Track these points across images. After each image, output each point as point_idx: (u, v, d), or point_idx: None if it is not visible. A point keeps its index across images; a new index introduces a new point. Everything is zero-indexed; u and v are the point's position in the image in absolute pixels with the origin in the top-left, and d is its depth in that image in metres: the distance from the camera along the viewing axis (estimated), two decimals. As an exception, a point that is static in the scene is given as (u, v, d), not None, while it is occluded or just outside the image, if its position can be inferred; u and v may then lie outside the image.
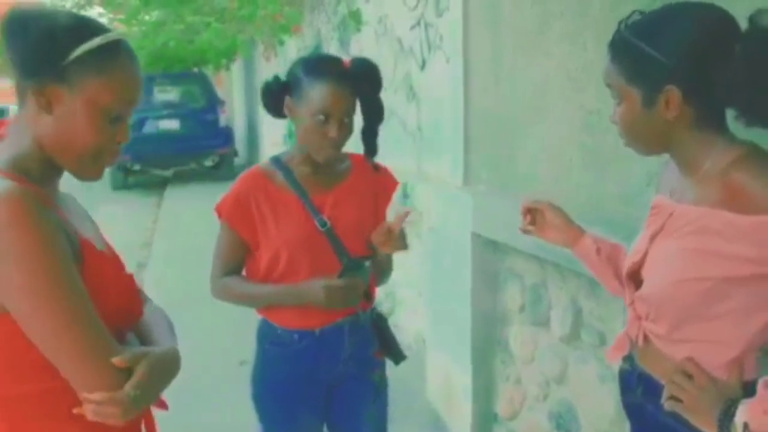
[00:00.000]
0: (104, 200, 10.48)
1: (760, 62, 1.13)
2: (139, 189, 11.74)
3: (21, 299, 1.05)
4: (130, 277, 1.32)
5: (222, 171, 11.39)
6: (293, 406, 1.97)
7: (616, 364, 1.54)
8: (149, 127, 11.34)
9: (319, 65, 1.84)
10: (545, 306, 2.58)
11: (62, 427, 1.15)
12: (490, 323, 2.97)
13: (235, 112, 14.84)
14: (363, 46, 4.87)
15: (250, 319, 2.07)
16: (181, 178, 11.85)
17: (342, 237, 1.89)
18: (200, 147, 11.36)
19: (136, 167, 11.47)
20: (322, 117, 1.78)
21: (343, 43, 5.41)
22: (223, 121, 11.77)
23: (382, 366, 2.08)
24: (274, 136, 8.71)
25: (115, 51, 1.17)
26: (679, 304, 1.25)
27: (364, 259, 1.88)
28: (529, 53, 2.54)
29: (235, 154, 12.61)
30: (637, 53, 1.23)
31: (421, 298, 3.84)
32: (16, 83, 1.16)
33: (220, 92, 13.59)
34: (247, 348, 2.10)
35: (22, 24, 1.13)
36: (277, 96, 1.88)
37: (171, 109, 11.70)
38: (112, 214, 9.32)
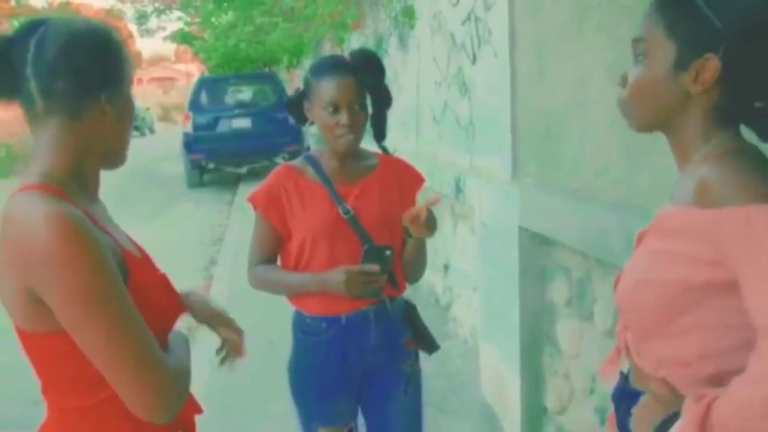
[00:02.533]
0: (180, 198, 10.90)
1: None
2: (213, 186, 12.12)
3: (77, 318, 1.07)
4: (165, 276, 1.37)
5: None
6: (327, 395, 2.04)
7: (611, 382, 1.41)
8: (222, 126, 11.69)
9: (321, 64, 2.01)
10: (590, 300, 2.57)
11: None
12: (537, 317, 2.97)
13: (307, 109, 15.11)
14: (419, 41, 4.90)
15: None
16: (254, 176, 12.14)
17: (366, 227, 1.96)
18: (271, 145, 11.61)
19: (211, 165, 11.83)
20: (331, 108, 1.91)
21: (402, 39, 5.46)
22: (292, 119, 12.00)
23: (414, 356, 2.12)
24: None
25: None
26: (642, 312, 1.17)
27: (385, 248, 1.92)
28: (568, 46, 2.52)
29: (307, 150, 12.84)
30: (689, 6, 1.09)
31: (475, 293, 3.86)
32: (60, 101, 1.16)
33: (292, 90, 13.87)
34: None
35: (83, 41, 1.17)
36: (298, 105, 2.04)
37: (243, 108, 12.03)
38: (186, 211, 9.69)
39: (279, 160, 11.95)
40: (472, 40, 3.67)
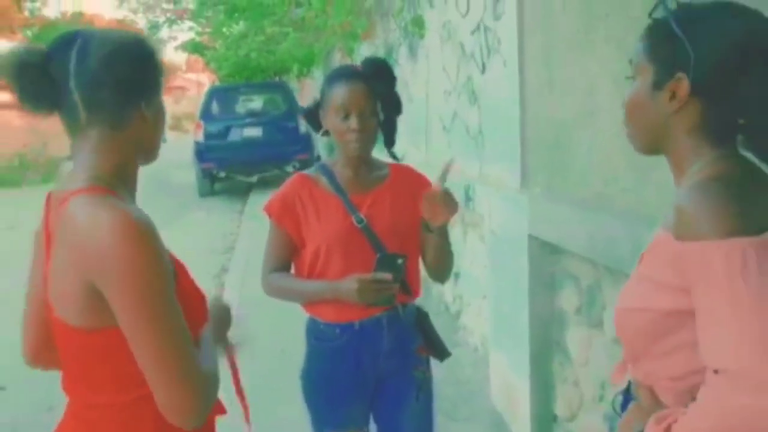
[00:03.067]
0: (191, 207, 10.96)
1: None
2: (224, 195, 12.18)
3: (134, 316, 1.12)
4: (198, 286, 1.41)
5: None
6: (340, 400, 2.06)
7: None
8: (234, 135, 11.77)
9: (334, 72, 2.06)
10: (599, 307, 2.58)
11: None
12: (547, 325, 2.98)
13: (316, 119, 15.17)
14: (429, 51, 4.94)
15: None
16: (265, 184, 12.21)
17: (379, 235, 1.99)
18: (282, 153, 11.68)
19: (222, 174, 11.90)
20: (342, 113, 1.95)
21: (412, 48, 5.50)
22: (303, 127, 12.05)
23: (426, 363, 2.14)
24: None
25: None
26: (630, 335, 1.21)
27: (397, 256, 1.95)
28: (577, 56, 2.55)
29: (317, 159, 12.90)
30: (665, 31, 1.15)
31: (485, 301, 3.87)
32: (104, 111, 1.20)
33: (302, 100, 13.95)
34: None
35: (124, 52, 1.21)
36: (314, 114, 2.09)
37: (254, 117, 12.11)
38: (198, 220, 9.75)
39: (289, 168, 12.00)
40: (481, 50, 3.70)
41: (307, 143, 12.11)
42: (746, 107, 1.11)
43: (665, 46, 1.15)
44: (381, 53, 6.55)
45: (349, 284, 1.91)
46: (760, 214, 1.03)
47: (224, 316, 1.54)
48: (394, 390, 2.09)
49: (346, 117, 1.95)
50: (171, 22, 17.89)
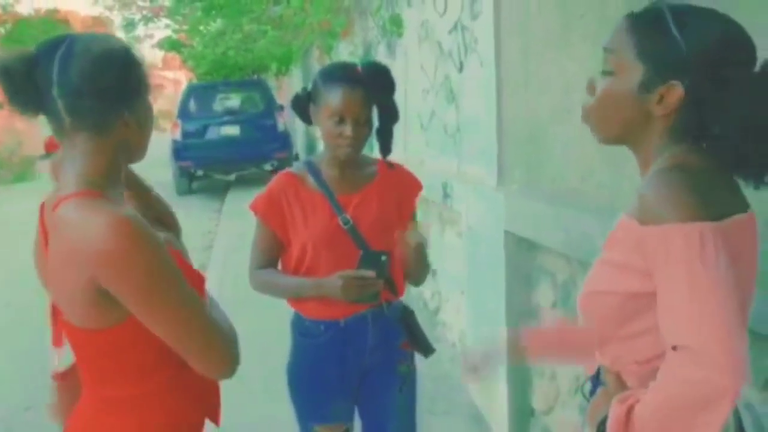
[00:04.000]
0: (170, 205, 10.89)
1: (755, 106, 1.08)
2: (202, 194, 12.12)
3: (149, 304, 1.20)
4: (200, 274, 1.44)
5: None
6: (324, 394, 2.09)
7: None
8: (211, 134, 11.71)
9: (333, 72, 2.00)
10: (574, 302, 2.62)
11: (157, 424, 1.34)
12: (524, 320, 3.03)
13: (294, 117, 15.13)
14: (407, 50, 4.97)
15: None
16: (243, 183, 12.18)
17: (365, 235, 2.00)
18: (260, 152, 11.65)
19: (200, 173, 11.84)
20: (337, 118, 1.93)
21: (390, 47, 5.53)
22: (281, 126, 12.04)
23: (410, 357, 2.17)
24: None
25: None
26: (596, 318, 1.24)
27: (380, 254, 1.97)
28: (554, 55, 2.59)
29: (295, 157, 12.88)
30: (662, 30, 1.12)
31: (463, 297, 3.91)
32: (86, 119, 1.24)
33: (280, 98, 13.92)
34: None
35: (107, 62, 1.23)
36: (304, 105, 2.05)
37: (232, 116, 12.06)
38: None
39: (268, 167, 11.99)
40: (458, 49, 3.74)
41: (285, 141, 12.09)
42: (725, 118, 1.12)
43: (658, 45, 1.13)
44: (359, 52, 6.57)
45: (334, 281, 1.92)
46: (718, 202, 1.08)
47: None
48: (378, 383, 2.12)
49: (341, 122, 1.92)
50: (147, 19, 17.72)
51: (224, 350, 1.29)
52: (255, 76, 15.57)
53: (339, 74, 1.98)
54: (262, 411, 3.39)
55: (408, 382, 2.16)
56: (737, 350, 0.99)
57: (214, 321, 1.29)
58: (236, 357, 1.32)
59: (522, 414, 3.11)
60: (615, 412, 1.12)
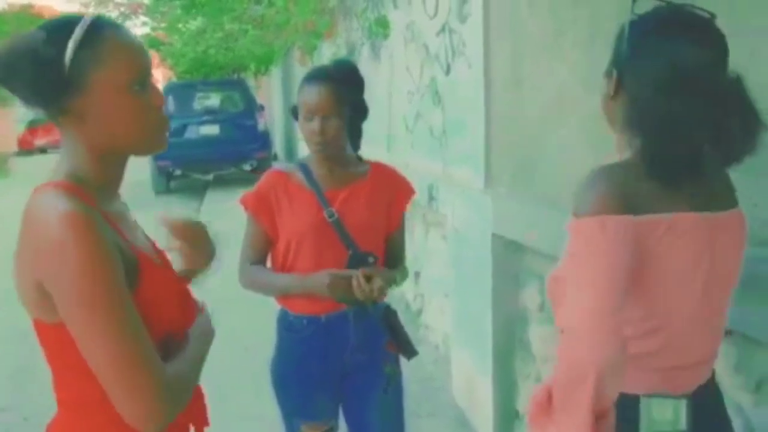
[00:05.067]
0: (147, 205, 10.74)
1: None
2: (180, 193, 12.01)
3: (74, 314, 1.08)
4: (184, 286, 1.37)
5: (261, 175, 11.54)
6: (306, 390, 2.08)
7: None
8: (190, 133, 11.61)
9: (308, 73, 2.08)
10: (562, 305, 2.64)
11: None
12: (510, 322, 3.04)
13: (274, 117, 15.09)
14: (392, 51, 4.97)
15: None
16: (221, 183, 12.11)
17: (351, 232, 2.02)
18: (239, 152, 11.59)
19: (178, 172, 11.75)
20: (309, 115, 2.00)
21: (374, 48, 5.52)
22: (261, 125, 11.99)
23: (395, 358, 2.17)
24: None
25: (99, 31, 1.15)
26: (552, 300, 1.32)
27: (368, 255, 1.99)
28: (545, 59, 2.60)
29: (274, 158, 12.83)
30: (621, 28, 1.28)
31: (447, 299, 3.92)
32: (44, 114, 1.18)
33: (260, 98, 13.85)
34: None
35: (10, 65, 1.12)
36: (295, 111, 2.12)
37: (211, 115, 11.97)
38: (153, 218, 9.60)
39: (247, 167, 11.93)
40: (446, 51, 3.75)
41: (265, 141, 12.04)
42: (648, 122, 1.21)
43: (617, 39, 1.30)
44: (343, 52, 6.56)
45: (321, 278, 1.95)
46: (638, 199, 1.18)
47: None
48: (361, 384, 2.12)
49: (311, 119, 1.99)
50: (125, 16, 17.52)
51: (151, 400, 1.09)
52: (235, 76, 15.48)
53: (310, 74, 2.07)
54: (250, 410, 3.37)
55: (393, 383, 2.16)
56: (601, 328, 1.12)
57: (151, 361, 1.10)
58: (165, 414, 1.11)
59: (507, 416, 3.12)
60: (536, 395, 1.24)
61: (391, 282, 2.07)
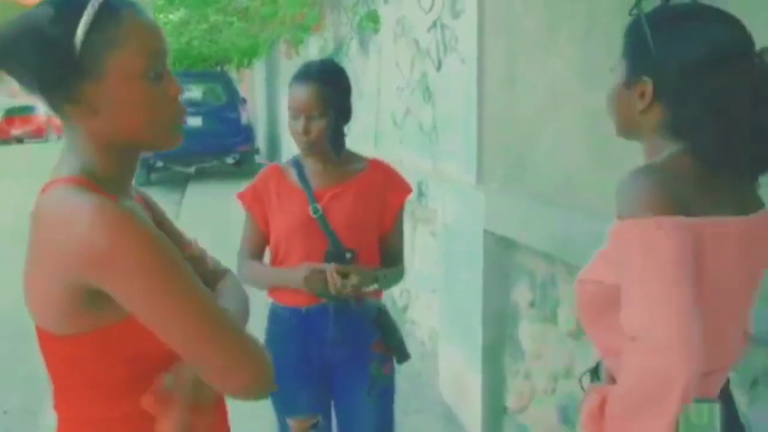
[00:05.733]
0: (128, 196, 10.65)
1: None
2: (161, 186, 11.88)
3: (152, 303, 0.98)
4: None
5: (243, 168, 11.51)
6: (288, 384, 2.03)
7: None
8: (172, 125, 11.49)
9: (297, 72, 2.08)
10: (553, 302, 2.65)
11: None
12: (500, 319, 3.04)
13: (257, 111, 14.99)
14: (381, 46, 4.95)
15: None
16: (203, 176, 12.01)
17: (336, 228, 2.02)
18: (222, 144, 11.50)
19: (159, 164, 11.62)
20: (295, 114, 2.01)
21: (363, 43, 5.49)
22: (244, 119, 11.91)
23: (380, 359, 2.13)
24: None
25: (114, 9, 1.03)
26: (582, 305, 1.29)
27: (346, 251, 2.00)
28: (541, 55, 2.60)
29: (257, 151, 12.74)
30: (637, 32, 1.21)
31: (435, 295, 3.92)
32: (46, 103, 1.07)
33: (243, 91, 13.75)
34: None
35: (12, 45, 1.01)
36: None
37: (194, 107, 11.82)
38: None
39: (229, 160, 11.84)
40: (437, 47, 3.74)
41: (248, 135, 11.96)
42: (697, 115, 1.17)
43: (635, 45, 1.23)
44: (330, 47, 6.52)
45: (299, 272, 1.98)
46: (688, 201, 1.13)
47: None
48: (346, 380, 2.12)
49: (297, 117, 2.01)
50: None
51: (259, 363, 1.04)
52: (218, 68, 15.34)
53: (299, 73, 2.06)
54: (243, 407, 3.33)
55: (378, 385, 2.12)
56: (690, 337, 1.04)
57: (233, 319, 1.06)
58: (267, 368, 1.06)
59: (495, 412, 3.12)
60: (589, 402, 1.18)
61: (372, 280, 2.02)
